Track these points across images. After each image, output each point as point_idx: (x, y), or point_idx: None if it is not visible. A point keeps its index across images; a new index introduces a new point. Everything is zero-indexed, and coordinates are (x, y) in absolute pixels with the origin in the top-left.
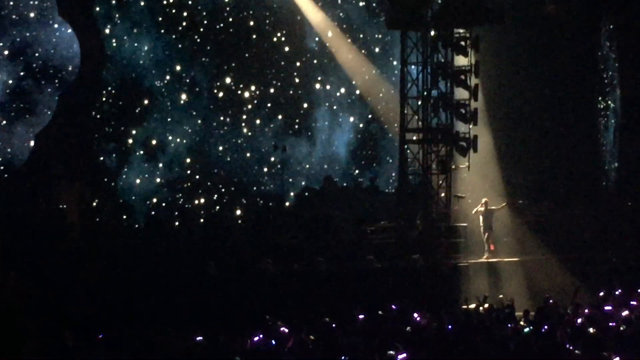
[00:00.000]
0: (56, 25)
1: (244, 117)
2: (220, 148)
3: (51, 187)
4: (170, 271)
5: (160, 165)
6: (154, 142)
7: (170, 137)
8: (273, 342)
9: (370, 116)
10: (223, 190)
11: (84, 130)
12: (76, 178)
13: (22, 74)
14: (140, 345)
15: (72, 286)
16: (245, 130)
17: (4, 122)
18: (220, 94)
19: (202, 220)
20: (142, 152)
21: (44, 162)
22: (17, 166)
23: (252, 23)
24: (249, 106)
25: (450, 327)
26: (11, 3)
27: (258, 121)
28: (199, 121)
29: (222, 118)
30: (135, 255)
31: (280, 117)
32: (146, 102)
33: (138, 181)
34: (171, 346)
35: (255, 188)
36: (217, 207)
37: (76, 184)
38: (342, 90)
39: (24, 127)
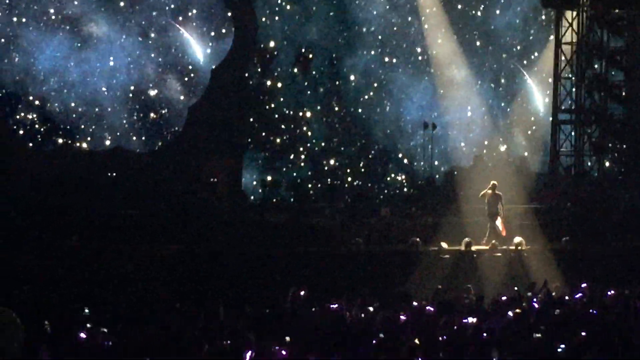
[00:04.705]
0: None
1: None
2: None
3: (202, 161)
4: (318, 244)
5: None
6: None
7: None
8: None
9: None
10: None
11: (235, 104)
12: (226, 152)
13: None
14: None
15: (222, 258)
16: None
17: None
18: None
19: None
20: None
21: (196, 135)
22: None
23: None
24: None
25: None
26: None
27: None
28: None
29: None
30: (282, 230)
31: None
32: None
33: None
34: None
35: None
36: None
37: (226, 159)
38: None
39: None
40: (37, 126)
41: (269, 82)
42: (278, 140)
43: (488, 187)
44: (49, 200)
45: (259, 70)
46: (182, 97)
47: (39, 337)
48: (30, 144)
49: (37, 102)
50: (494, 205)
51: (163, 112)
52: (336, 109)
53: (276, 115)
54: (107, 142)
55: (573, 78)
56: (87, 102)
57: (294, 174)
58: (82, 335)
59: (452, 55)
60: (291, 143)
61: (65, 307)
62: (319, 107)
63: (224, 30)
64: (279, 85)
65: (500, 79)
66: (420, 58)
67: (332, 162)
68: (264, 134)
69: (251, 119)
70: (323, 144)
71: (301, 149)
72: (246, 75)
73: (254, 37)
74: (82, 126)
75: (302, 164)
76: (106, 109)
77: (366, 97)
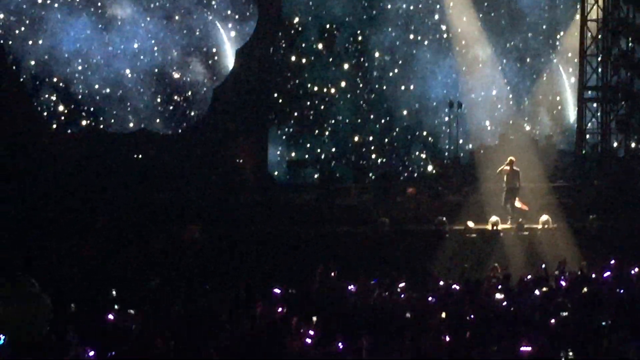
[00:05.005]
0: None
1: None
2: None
3: (228, 141)
4: (344, 224)
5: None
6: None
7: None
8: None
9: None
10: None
11: (261, 86)
12: (251, 132)
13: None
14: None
15: (249, 239)
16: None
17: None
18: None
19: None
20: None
21: (221, 116)
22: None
23: None
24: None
25: None
26: None
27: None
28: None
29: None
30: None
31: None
32: (320, 46)
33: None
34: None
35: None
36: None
37: (251, 139)
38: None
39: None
40: (60, 108)
41: (293, 58)
42: (302, 116)
43: (505, 163)
44: (75, 182)
45: (283, 45)
46: (206, 80)
47: (67, 319)
48: (54, 126)
49: (61, 84)
50: (512, 181)
51: (187, 94)
52: (360, 85)
53: (300, 92)
54: (131, 125)
55: (599, 56)
56: (111, 84)
57: (319, 150)
58: (110, 316)
59: (477, 34)
60: (315, 119)
61: (93, 289)
62: (343, 84)
63: (248, 13)
64: (304, 61)
65: (525, 57)
66: (445, 36)
67: (356, 139)
68: (288, 110)
69: (275, 94)
70: (347, 121)
71: (325, 125)
72: (271, 51)
73: (279, 17)
74: (106, 108)
75: (327, 140)
76: (130, 91)
77: (390, 74)
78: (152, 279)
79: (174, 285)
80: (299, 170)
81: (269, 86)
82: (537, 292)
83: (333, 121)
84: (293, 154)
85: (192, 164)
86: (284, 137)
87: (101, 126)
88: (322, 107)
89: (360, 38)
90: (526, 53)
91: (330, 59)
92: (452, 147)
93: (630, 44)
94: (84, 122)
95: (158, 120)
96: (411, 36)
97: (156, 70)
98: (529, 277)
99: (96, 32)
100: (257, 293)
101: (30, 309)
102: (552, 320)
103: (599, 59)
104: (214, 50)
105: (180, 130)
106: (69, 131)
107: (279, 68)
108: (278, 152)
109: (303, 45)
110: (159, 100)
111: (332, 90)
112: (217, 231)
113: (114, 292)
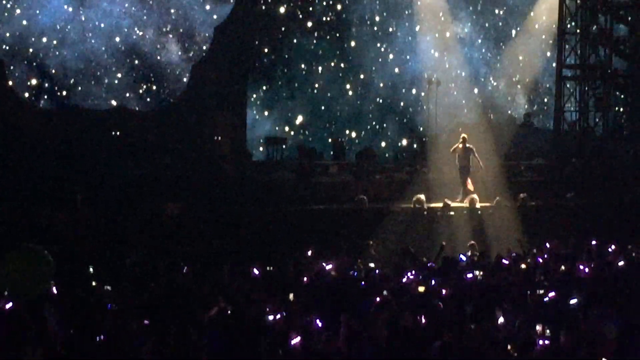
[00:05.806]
0: None
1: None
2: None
3: (206, 118)
4: (323, 202)
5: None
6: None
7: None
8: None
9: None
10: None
11: (238, 62)
12: (229, 110)
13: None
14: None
15: (227, 217)
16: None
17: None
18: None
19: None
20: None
21: (199, 93)
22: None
23: None
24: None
25: None
26: None
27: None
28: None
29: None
30: (284, 187)
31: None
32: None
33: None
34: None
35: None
36: None
37: (229, 116)
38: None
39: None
40: (33, 82)
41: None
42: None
43: (459, 142)
44: (51, 158)
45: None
46: (182, 58)
47: (44, 295)
48: (27, 100)
49: (35, 58)
50: (464, 159)
51: (162, 74)
52: (337, 55)
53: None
54: (106, 101)
55: (578, 34)
56: (86, 60)
57: (291, 115)
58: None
59: (456, 11)
60: (291, 86)
61: (69, 266)
62: (320, 52)
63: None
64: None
65: (502, 37)
66: (424, 12)
67: (333, 110)
68: (263, 76)
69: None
70: (323, 89)
71: (301, 93)
72: (249, 27)
73: None
74: (80, 84)
75: (302, 107)
76: (104, 68)
77: (368, 46)
78: (130, 255)
79: (153, 263)
80: (277, 147)
81: (248, 60)
82: (514, 270)
83: (309, 90)
84: (268, 122)
85: (170, 141)
86: (258, 102)
87: (70, 101)
88: (298, 75)
89: (339, 7)
90: (503, 32)
91: (309, 24)
92: (428, 124)
93: (608, 22)
94: (57, 96)
95: (132, 98)
96: (389, 9)
97: (132, 48)
98: (507, 254)
99: (72, 8)
100: (235, 272)
101: (32, 264)
102: (529, 297)
103: (578, 37)
104: (190, 30)
105: (157, 108)
106: (45, 107)
107: (256, 36)
108: (254, 113)
109: (281, 10)
110: (133, 78)
111: (312, 60)
112: (196, 209)
113: (91, 269)
